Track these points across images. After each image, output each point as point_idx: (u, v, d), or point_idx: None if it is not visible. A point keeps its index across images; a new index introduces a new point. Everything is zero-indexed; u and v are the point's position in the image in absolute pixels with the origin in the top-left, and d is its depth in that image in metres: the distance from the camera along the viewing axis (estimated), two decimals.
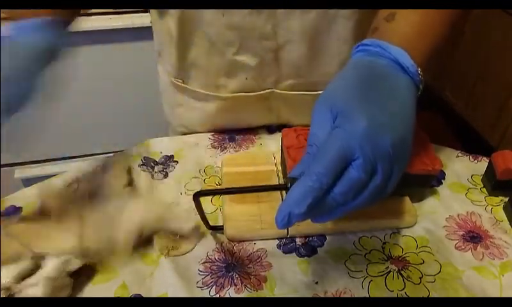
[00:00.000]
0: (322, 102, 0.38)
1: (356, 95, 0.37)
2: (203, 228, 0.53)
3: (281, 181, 0.58)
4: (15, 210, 0.55)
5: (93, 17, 1.17)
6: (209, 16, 0.56)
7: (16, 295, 0.43)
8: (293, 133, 0.55)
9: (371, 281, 0.48)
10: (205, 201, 0.57)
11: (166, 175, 0.62)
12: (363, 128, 0.34)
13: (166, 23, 0.62)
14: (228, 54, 0.60)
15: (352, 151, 0.34)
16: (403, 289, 0.47)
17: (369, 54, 0.41)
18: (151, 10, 0.67)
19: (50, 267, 0.43)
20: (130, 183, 0.60)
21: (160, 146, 0.67)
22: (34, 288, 0.42)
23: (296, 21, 0.57)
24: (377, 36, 0.42)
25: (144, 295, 0.47)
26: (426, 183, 0.56)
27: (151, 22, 0.70)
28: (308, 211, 0.33)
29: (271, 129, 0.72)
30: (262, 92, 0.66)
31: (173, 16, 0.59)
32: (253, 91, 0.66)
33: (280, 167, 0.60)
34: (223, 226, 0.53)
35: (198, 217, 0.55)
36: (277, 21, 0.57)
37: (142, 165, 0.63)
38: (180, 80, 0.69)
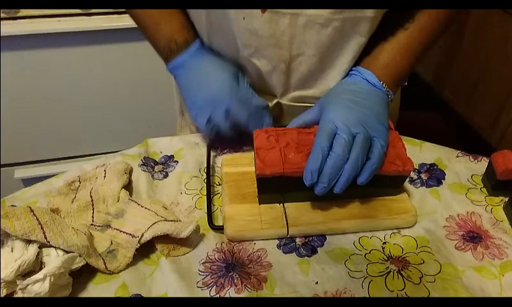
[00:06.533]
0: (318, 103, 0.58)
1: (333, 95, 0.57)
2: (203, 228, 0.53)
3: None
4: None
5: (93, 17, 1.17)
6: (232, 15, 0.57)
7: (21, 291, 0.43)
8: (264, 134, 0.55)
9: (371, 281, 0.48)
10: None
11: (166, 175, 0.62)
12: (334, 112, 0.52)
13: (195, 11, 0.63)
14: (244, 53, 0.61)
15: (331, 126, 0.51)
16: (403, 289, 0.47)
17: (351, 76, 0.60)
18: None
19: (54, 263, 0.44)
20: (129, 184, 0.60)
21: (160, 146, 0.67)
22: (40, 284, 0.42)
23: (313, 35, 0.57)
24: (364, 65, 0.59)
25: (145, 295, 0.47)
26: (398, 184, 0.56)
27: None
28: (321, 167, 0.49)
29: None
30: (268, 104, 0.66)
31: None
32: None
33: None
34: (223, 226, 0.53)
35: (198, 216, 0.56)
36: (295, 32, 0.57)
37: (142, 165, 0.63)
38: None
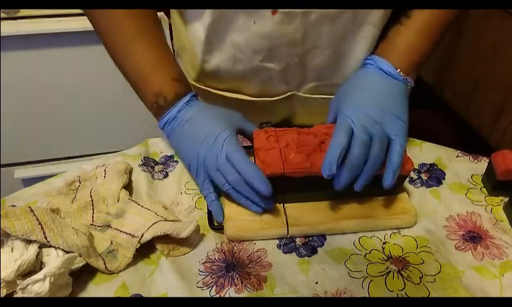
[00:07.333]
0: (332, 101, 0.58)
1: (347, 92, 0.55)
2: (203, 228, 0.53)
3: None
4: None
5: None
6: (240, 22, 0.56)
7: (21, 291, 0.43)
8: (263, 134, 0.55)
9: (371, 281, 0.48)
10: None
11: (166, 175, 0.62)
12: (350, 109, 0.51)
13: (193, 26, 0.61)
14: (254, 60, 0.60)
15: (349, 122, 0.50)
16: (403, 289, 0.47)
17: (367, 66, 0.57)
18: (173, 12, 0.67)
19: (54, 263, 0.43)
20: (129, 184, 0.60)
21: (160, 146, 0.67)
22: (40, 284, 0.42)
23: (326, 28, 0.56)
24: (379, 53, 0.58)
25: (145, 295, 0.47)
26: (398, 184, 0.55)
27: (170, 23, 0.70)
28: (339, 161, 0.47)
29: None
30: (283, 96, 0.66)
31: (203, 21, 0.59)
32: (276, 94, 0.66)
33: None
34: (223, 226, 0.53)
35: (198, 216, 0.56)
36: (307, 29, 0.56)
37: (142, 165, 0.63)
38: (201, 83, 0.69)
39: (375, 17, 0.56)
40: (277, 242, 0.53)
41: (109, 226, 0.52)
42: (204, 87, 0.69)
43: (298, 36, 0.57)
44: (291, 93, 0.65)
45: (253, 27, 0.56)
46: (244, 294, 0.47)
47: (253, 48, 0.58)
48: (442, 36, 0.59)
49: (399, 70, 0.55)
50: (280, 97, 0.66)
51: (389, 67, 0.55)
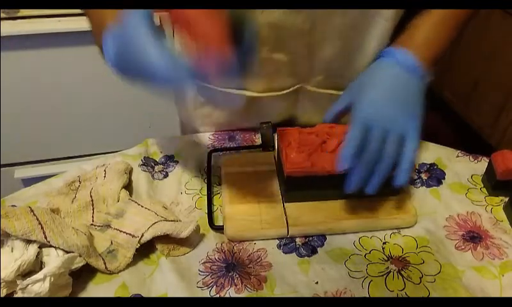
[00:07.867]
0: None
1: (362, 86, 0.54)
2: (203, 228, 0.53)
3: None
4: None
5: None
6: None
7: (21, 291, 0.43)
8: (289, 132, 0.55)
9: (371, 281, 0.48)
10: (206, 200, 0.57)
11: (166, 175, 0.62)
12: (365, 105, 0.51)
13: None
14: (262, 52, 0.59)
15: (364, 118, 0.49)
16: (403, 289, 0.47)
17: (384, 59, 0.55)
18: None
19: (54, 263, 0.43)
20: (129, 184, 0.60)
21: (160, 146, 0.67)
22: (40, 284, 0.42)
23: (336, 19, 0.56)
24: (397, 46, 0.55)
25: (145, 295, 0.47)
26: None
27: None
28: (354, 155, 0.47)
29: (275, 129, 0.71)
30: (290, 89, 0.65)
31: None
32: (282, 88, 0.65)
33: None
34: (223, 226, 0.53)
35: (198, 216, 0.56)
36: (316, 19, 0.55)
37: (142, 165, 0.63)
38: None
39: (388, 11, 0.56)
40: (277, 242, 0.53)
41: (109, 226, 0.52)
42: (208, 85, 0.69)
43: (306, 26, 0.56)
44: (298, 85, 0.65)
45: (260, 18, 0.55)
46: (244, 294, 0.47)
47: (261, 39, 0.58)
48: (460, 32, 0.58)
49: (416, 63, 0.53)
50: (287, 91, 0.65)
51: (407, 59, 0.53)
